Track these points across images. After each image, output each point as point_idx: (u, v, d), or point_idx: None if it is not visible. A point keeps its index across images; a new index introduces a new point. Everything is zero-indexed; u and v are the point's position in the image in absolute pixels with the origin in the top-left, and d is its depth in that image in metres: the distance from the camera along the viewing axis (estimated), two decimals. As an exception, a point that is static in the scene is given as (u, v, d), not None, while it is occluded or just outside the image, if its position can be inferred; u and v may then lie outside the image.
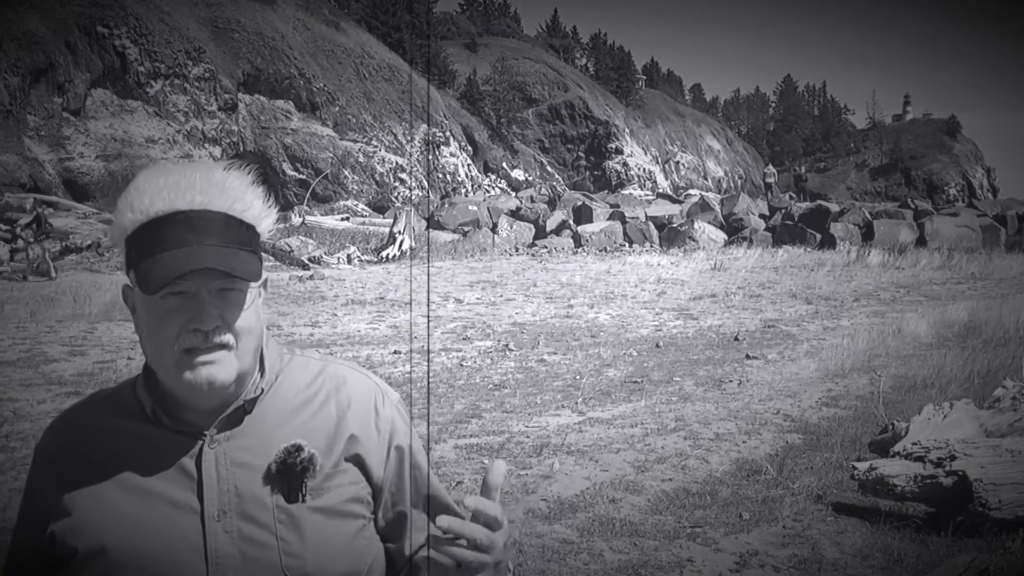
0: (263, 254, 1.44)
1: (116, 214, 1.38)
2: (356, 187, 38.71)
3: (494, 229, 28.04)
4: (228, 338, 1.34)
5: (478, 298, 16.35)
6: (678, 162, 70.43)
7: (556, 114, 60.68)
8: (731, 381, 9.38)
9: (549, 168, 57.38)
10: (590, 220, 29.79)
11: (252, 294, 1.38)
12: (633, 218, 30.03)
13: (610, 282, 18.69)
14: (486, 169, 50.27)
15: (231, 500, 1.37)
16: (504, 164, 52.28)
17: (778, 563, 4.69)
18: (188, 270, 1.29)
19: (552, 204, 33.38)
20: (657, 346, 11.52)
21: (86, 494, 1.40)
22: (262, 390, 1.42)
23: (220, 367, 1.33)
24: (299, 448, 1.37)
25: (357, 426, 1.44)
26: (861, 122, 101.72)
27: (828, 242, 27.21)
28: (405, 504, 1.49)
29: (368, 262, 22.87)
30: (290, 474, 1.37)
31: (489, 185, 47.30)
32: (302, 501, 1.37)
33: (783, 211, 31.30)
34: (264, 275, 1.42)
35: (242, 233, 1.37)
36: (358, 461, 1.43)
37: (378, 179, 39.78)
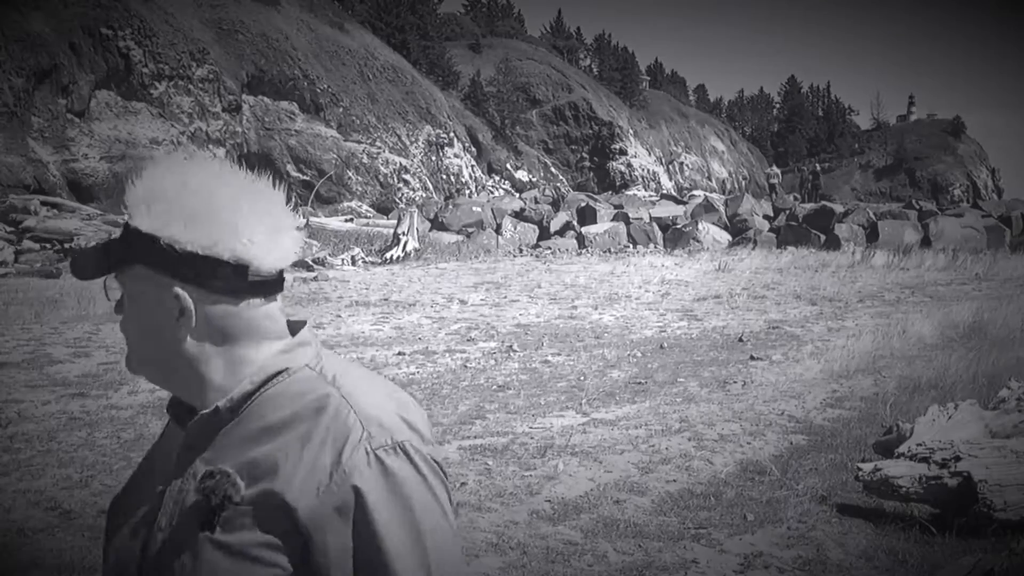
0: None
1: (221, 229, 1.28)
2: (360, 188, 38.77)
3: (498, 230, 28.04)
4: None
5: (482, 299, 16.35)
6: (682, 163, 70.43)
7: (560, 115, 60.71)
8: (735, 382, 9.37)
9: (553, 169, 57.40)
10: (594, 221, 29.76)
11: (140, 306, 1.33)
12: (637, 219, 30.00)
13: (614, 283, 18.68)
14: (490, 170, 50.29)
15: (177, 511, 1.28)
16: (508, 165, 52.30)
17: (782, 564, 4.68)
18: None
19: (556, 205, 33.36)
20: (661, 347, 11.51)
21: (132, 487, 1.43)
22: (217, 407, 1.29)
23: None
24: (211, 475, 1.25)
25: (297, 468, 1.25)
26: (865, 123, 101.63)
27: (832, 243, 27.15)
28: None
29: (372, 263, 22.88)
30: (201, 501, 1.25)
31: (493, 186, 47.33)
32: (210, 531, 1.23)
33: (787, 212, 31.25)
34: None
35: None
36: (277, 506, 1.24)
37: (382, 180, 39.83)
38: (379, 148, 40.28)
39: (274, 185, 1.37)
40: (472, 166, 47.32)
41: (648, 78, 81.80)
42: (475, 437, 7.17)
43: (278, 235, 1.33)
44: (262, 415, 1.30)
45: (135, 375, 1.40)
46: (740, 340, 11.96)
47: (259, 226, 1.30)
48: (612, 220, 30.06)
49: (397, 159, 40.94)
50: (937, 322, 12.17)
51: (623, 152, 60.80)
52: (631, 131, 63.61)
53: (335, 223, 28.75)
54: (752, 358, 10.63)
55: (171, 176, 1.30)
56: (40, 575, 4.46)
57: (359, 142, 39.55)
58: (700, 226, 29.17)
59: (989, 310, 12.73)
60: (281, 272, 1.36)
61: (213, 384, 1.32)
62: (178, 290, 1.28)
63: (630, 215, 30.39)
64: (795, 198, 38.00)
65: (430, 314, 14.49)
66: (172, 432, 1.39)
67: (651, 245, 28.34)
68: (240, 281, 1.31)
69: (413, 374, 9.78)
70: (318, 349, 1.40)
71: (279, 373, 1.33)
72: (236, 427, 1.30)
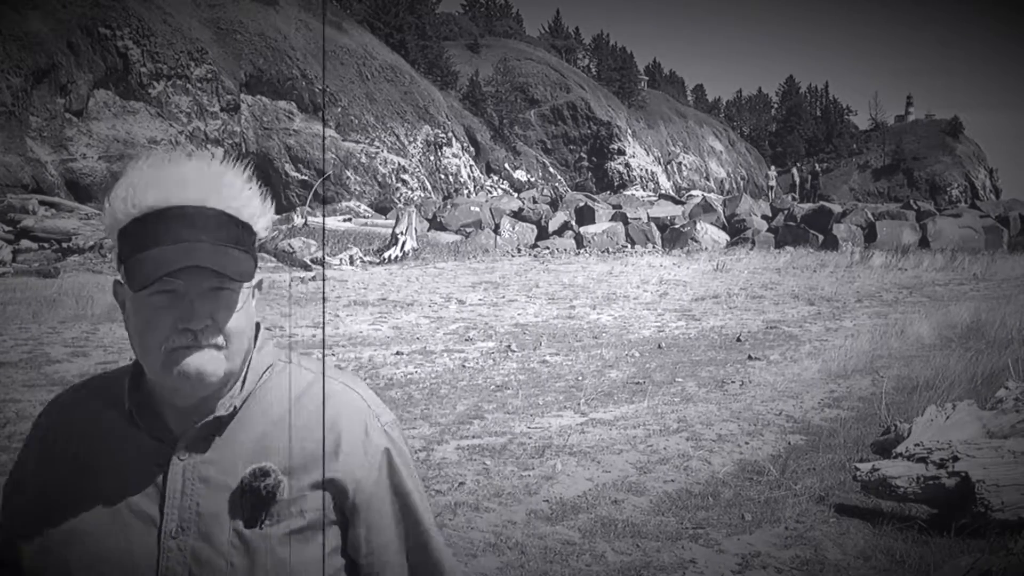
0: (262, 254, 1.44)
1: (108, 204, 1.34)
2: (358, 188, 38.75)
3: (496, 230, 28.03)
4: (219, 339, 1.31)
5: (480, 299, 16.35)
6: (680, 163, 70.40)
7: (558, 115, 60.68)
8: (733, 382, 9.37)
9: (551, 169, 57.37)
10: (592, 221, 29.77)
11: (244, 295, 1.34)
12: (635, 219, 30.01)
13: (612, 283, 18.68)
14: (488, 170, 50.26)
15: (191, 517, 1.32)
16: (506, 165, 52.26)
17: (780, 564, 4.68)
18: (178, 267, 1.26)
19: (554, 205, 33.36)
20: (659, 347, 11.51)
21: (56, 483, 1.37)
22: (235, 408, 1.36)
23: (208, 362, 1.30)
24: (266, 473, 1.33)
25: (339, 450, 1.38)
26: (864, 123, 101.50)
27: (831, 243, 27.18)
28: (391, 548, 1.44)
29: (370, 263, 22.87)
30: (253, 498, 1.32)
31: (491, 186, 47.29)
32: (260, 528, 1.32)
33: (785, 212, 31.28)
34: (258, 277, 1.38)
35: (237, 231, 1.34)
36: (333, 486, 1.37)
37: (380, 180, 39.80)
38: (377, 148, 40.25)
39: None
40: (470, 166, 47.29)
41: (646, 78, 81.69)
42: (473, 437, 7.17)
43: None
44: (264, 411, 1.36)
45: (212, 387, 1.35)
46: (738, 340, 11.96)
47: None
48: (610, 220, 30.07)
49: (395, 159, 40.92)
50: (935, 322, 12.17)
51: (621, 152, 60.78)
52: (629, 131, 63.58)
53: (333, 223, 28.74)
54: (750, 358, 10.64)
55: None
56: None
57: (357, 142, 39.53)
58: (698, 226, 29.18)
59: (987, 310, 12.73)
60: None
61: (237, 378, 1.38)
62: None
63: (628, 215, 30.40)
64: (793, 198, 38.04)
65: (428, 314, 14.49)
66: (119, 443, 1.37)
67: (649, 245, 28.35)
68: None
69: (411, 374, 9.78)
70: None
71: (267, 369, 1.40)
72: (238, 427, 1.35)
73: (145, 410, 1.36)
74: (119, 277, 1.35)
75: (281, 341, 11.82)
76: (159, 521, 1.32)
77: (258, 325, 1.43)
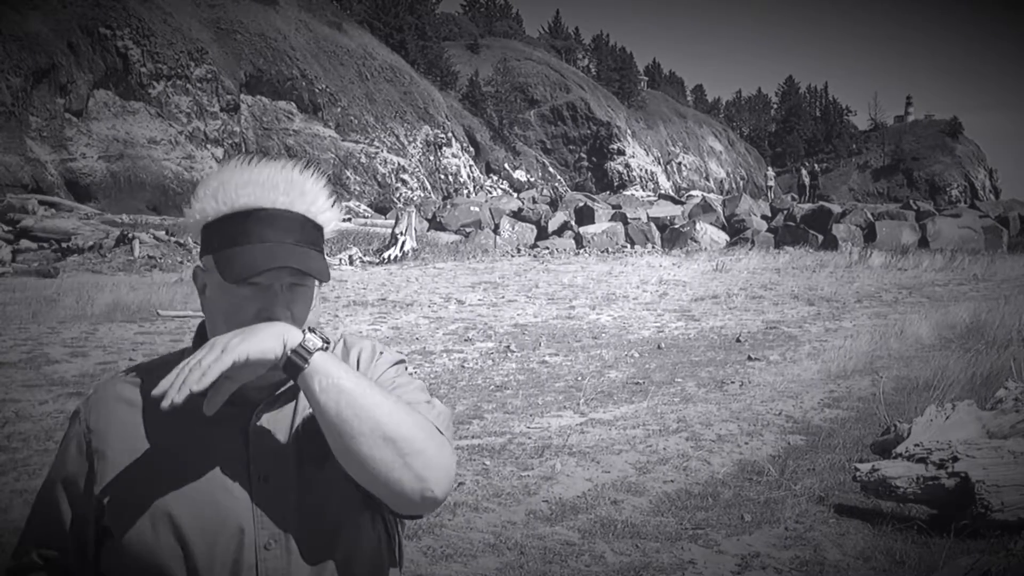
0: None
1: (196, 200, 1.49)
2: (358, 188, 38.79)
3: (496, 230, 28.03)
4: None
5: (480, 299, 16.34)
6: (680, 163, 70.47)
7: (558, 115, 60.73)
8: (733, 382, 9.37)
9: (551, 169, 57.43)
10: (592, 221, 29.77)
11: (316, 291, 1.52)
12: (635, 219, 30.01)
13: (612, 283, 18.68)
14: (488, 170, 50.31)
15: (272, 465, 1.47)
16: (506, 165, 52.30)
17: (780, 565, 4.68)
18: (271, 267, 1.42)
19: (554, 205, 33.36)
20: (659, 347, 11.51)
21: (141, 467, 1.47)
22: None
23: None
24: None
25: (359, 364, 1.58)
26: (863, 123, 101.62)
27: (830, 243, 27.17)
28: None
29: (370, 263, 22.87)
30: (318, 437, 1.44)
31: (491, 186, 47.33)
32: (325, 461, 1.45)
33: (785, 212, 31.28)
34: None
35: (314, 233, 1.52)
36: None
37: (380, 180, 39.83)
38: (377, 148, 40.28)
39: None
40: (470, 166, 47.33)
41: (646, 78, 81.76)
42: (473, 437, 7.16)
43: None
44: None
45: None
46: (738, 340, 11.96)
47: None
48: (610, 220, 30.07)
49: (395, 159, 40.94)
50: (935, 322, 12.17)
51: (621, 152, 60.84)
52: (629, 131, 63.63)
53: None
54: (750, 358, 10.63)
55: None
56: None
57: (357, 142, 39.57)
58: (698, 226, 29.19)
59: (987, 311, 12.71)
60: None
61: None
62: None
63: (628, 215, 30.40)
64: (792, 198, 38.06)
65: (428, 314, 14.49)
66: (196, 415, 1.45)
67: (649, 245, 28.35)
68: None
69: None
70: None
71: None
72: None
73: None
74: (201, 264, 1.52)
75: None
76: (248, 475, 1.45)
77: None
